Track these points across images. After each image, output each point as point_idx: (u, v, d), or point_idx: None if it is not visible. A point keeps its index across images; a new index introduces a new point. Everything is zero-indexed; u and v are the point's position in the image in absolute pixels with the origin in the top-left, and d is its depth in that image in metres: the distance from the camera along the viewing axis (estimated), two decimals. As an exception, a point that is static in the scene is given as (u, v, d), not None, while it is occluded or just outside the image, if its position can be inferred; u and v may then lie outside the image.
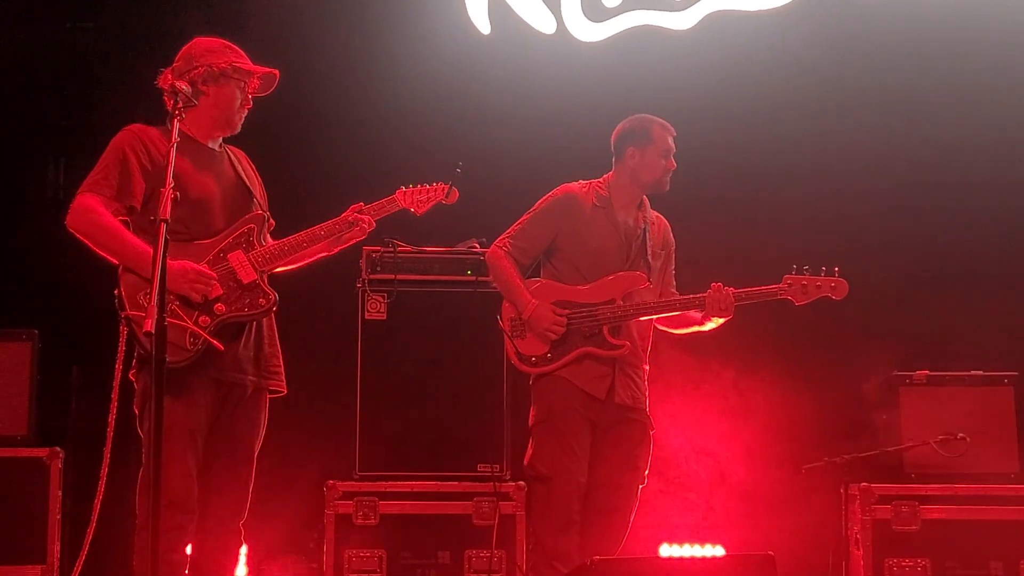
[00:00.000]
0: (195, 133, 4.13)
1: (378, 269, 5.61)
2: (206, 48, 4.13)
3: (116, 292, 3.93)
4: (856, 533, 5.56)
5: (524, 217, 4.86)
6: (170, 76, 4.03)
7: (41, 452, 5.42)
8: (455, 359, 5.56)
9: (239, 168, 4.23)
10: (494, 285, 4.93)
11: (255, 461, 4.18)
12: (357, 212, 4.26)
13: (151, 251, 3.40)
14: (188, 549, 4.01)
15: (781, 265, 4.71)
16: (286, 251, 4.14)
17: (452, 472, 5.49)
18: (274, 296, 4.09)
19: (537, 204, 4.87)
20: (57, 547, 5.38)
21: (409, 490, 5.45)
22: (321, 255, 4.33)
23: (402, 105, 6.41)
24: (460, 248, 5.71)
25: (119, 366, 3.90)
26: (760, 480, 6.25)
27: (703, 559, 5.45)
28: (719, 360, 6.24)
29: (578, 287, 4.74)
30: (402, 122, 6.40)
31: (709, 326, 4.79)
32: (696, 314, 4.77)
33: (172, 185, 3.47)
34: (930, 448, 5.56)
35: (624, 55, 6.60)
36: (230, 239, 4.08)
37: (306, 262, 4.31)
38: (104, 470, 3.92)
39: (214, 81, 4.09)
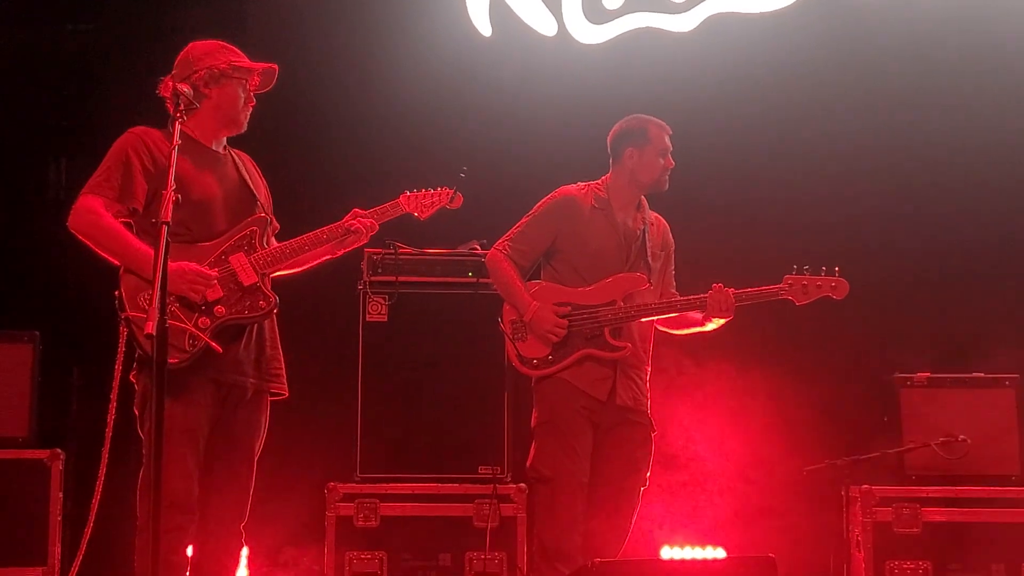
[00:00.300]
0: (198, 135, 4.13)
1: (379, 271, 5.61)
2: (203, 51, 4.12)
3: (116, 293, 3.92)
4: (857, 535, 5.56)
5: (523, 220, 4.86)
6: (171, 83, 4.00)
7: (42, 453, 5.42)
8: (456, 361, 5.56)
9: (243, 171, 4.22)
10: (494, 288, 4.93)
11: (256, 463, 4.17)
12: (360, 216, 4.26)
13: (152, 253, 3.40)
14: (189, 551, 4.00)
15: (781, 265, 4.71)
16: (288, 254, 4.14)
17: (453, 474, 5.49)
18: (275, 299, 4.08)
19: (536, 207, 4.87)
20: (58, 549, 5.38)
21: (410, 492, 5.45)
22: (325, 258, 4.32)
23: (403, 106, 6.40)
24: (461, 250, 5.72)
25: (119, 367, 3.89)
26: (761, 482, 6.23)
27: (704, 561, 5.46)
28: (720, 361, 6.22)
29: (579, 289, 4.73)
30: (403, 123, 6.39)
31: (710, 327, 4.79)
32: (697, 315, 4.77)
33: (174, 187, 3.46)
34: (931, 450, 5.56)
35: (625, 57, 6.60)
36: (232, 241, 4.07)
37: (309, 266, 4.30)
38: (102, 471, 3.91)
39: (215, 82, 4.09)
